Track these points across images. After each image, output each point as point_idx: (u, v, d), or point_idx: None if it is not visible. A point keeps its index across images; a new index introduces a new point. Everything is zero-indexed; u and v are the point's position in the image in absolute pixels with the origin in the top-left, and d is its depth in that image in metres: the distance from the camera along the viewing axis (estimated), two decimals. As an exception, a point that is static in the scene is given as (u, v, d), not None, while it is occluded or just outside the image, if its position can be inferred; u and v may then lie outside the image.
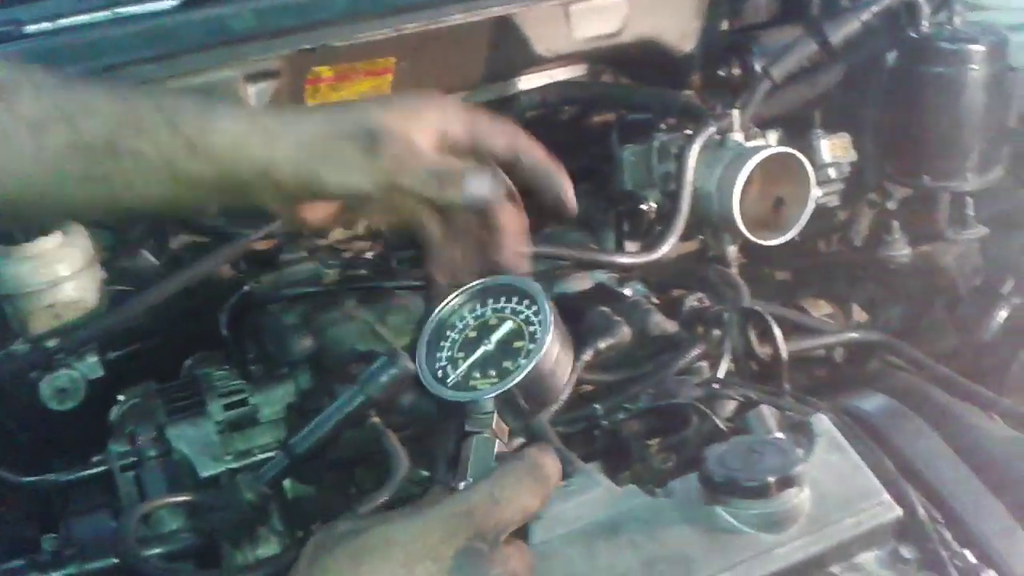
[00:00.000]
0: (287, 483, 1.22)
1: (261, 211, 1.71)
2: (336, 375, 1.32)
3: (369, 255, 1.65)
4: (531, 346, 0.82)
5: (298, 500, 1.21)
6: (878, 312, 2.00)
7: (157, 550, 1.06)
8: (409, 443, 1.25)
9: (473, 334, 0.86)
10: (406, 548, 0.66)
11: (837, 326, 1.70)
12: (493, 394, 0.81)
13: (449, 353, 0.87)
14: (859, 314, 2.01)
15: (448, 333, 0.88)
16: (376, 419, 1.16)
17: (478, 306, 0.88)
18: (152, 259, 1.59)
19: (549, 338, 0.81)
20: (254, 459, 1.24)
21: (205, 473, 1.22)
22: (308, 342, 1.36)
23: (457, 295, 0.89)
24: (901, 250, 1.74)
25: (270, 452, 1.25)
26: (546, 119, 1.92)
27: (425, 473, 1.22)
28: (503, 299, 0.87)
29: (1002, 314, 1.75)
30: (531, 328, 0.83)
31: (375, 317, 1.53)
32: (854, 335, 1.59)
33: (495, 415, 0.81)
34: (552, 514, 0.96)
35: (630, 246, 1.71)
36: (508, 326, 0.85)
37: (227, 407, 1.29)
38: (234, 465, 1.23)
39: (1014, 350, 1.67)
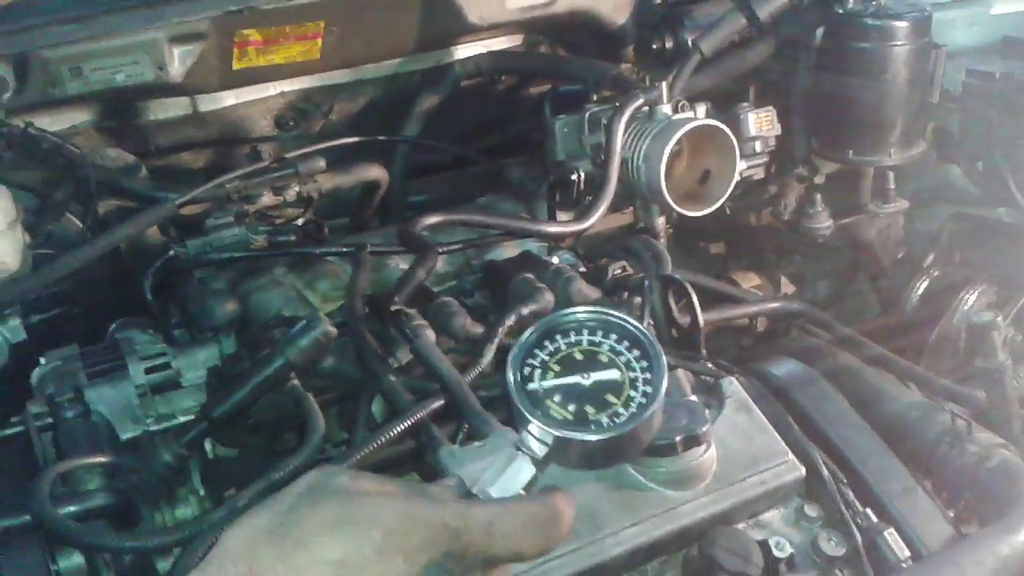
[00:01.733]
0: (208, 445, 1.22)
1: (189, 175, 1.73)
2: (259, 340, 1.32)
3: (300, 222, 1.65)
4: (621, 411, 0.74)
5: (219, 462, 1.21)
6: (805, 284, 2.04)
7: (71, 508, 1.06)
8: (330, 406, 1.27)
9: (579, 357, 0.78)
10: (386, 536, 0.63)
11: (761, 297, 1.74)
12: (562, 434, 0.73)
13: (546, 358, 0.78)
14: (787, 286, 2.06)
15: (557, 338, 0.79)
16: (296, 382, 1.17)
17: (600, 333, 0.79)
18: (77, 223, 1.57)
19: (644, 417, 0.73)
20: (175, 422, 1.24)
21: (125, 435, 1.22)
22: (232, 307, 1.35)
23: (587, 310, 0.81)
24: (824, 223, 1.78)
25: (192, 415, 1.25)
26: (481, 89, 1.93)
27: (345, 435, 1.24)
28: (625, 344, 0.78)
29: (923, 286, 1.80)
30: (632, 393, 0.75)
31: (303, 283, 1.53)
32: (775, 304, 1.63)
33: (547, 451, 0.74)
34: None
35: (562, 216, 1.73)
36: (614, 374, 0.76)
37: (148, 370, 1.28)
38: (154, 428, 1.23)
39: (934, 321, 1.71)
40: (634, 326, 0.79)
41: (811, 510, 1.09)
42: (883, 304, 1.95)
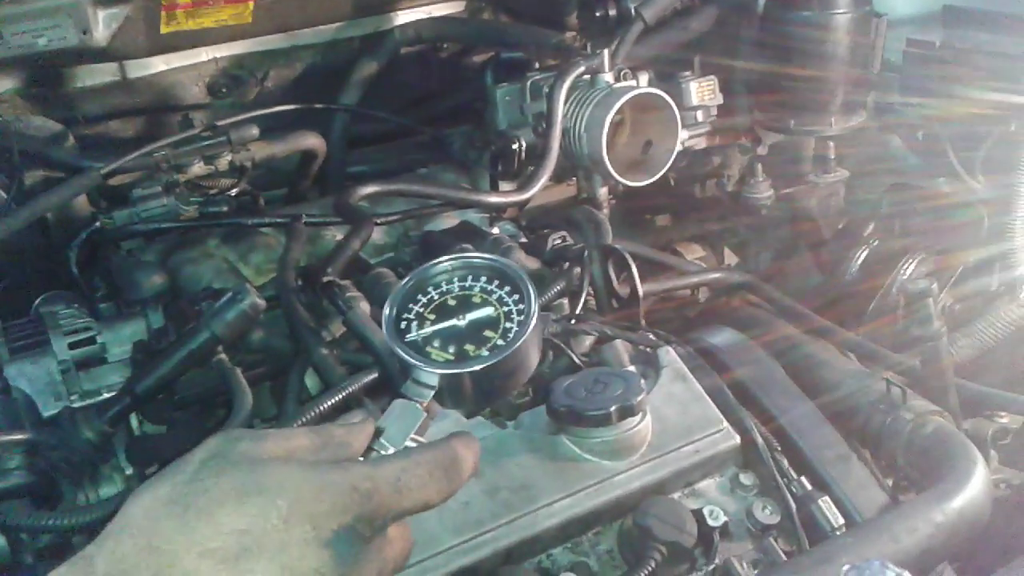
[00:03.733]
0: (135, 421, 1.18)
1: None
2: (187, 313, 1.28)
3: (233, 192, 1.60)
4: (500, 342, 0.76)
5: (145, 438, 1.18)
6: (748, 255, 2.05)
7: (-11, 488, 1.02)
8: (262, 380, 1.24)
9: (452, 303, 0.81)
10: (293, 504, 0.62)
11: (702, 268, 1.73)
12: (444, 371, 0.75)
13: (420, 310, 0.81)
14: (731, 257, 2.06)
15: (429, 290, 0.82)
16: (223, 356, 1.13)
17: (470, 278, 0.82)
18: (1, 193, 1.51)
19: (520, 342, 0.75)
20: (99, 399, 1.20)
21: (47, 412, 1.18)
22: (159, 279, 1.31)
23: (453, 259, 0.83)
24: (765, 192, 1.78)
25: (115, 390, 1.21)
26: (422, 56, 1.89)
27: (274, 411, 1.21)
28: (496, 283, 0.81)
29: (863, 255, 1.81)
30: (508, 324, 0.78)
31: (237, 255, 1.50)
32: (715, 275, 1.62)
33: (433, 392, 0.76)
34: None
35: (504, 186, 1.70)
36: (488, 312, 0.79)
37: (72, 345, 1.24)
38: (78, 404, 1.19)
39: (873, 290, 1.72)
40: (501, 263, 0.82)
41: (746, 479, 1.09)
42: (824, 274, 1.95)
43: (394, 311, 0.80)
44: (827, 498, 1.06)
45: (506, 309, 0.79)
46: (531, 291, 0.79)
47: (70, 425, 1.10)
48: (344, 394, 1.06)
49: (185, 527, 0.60)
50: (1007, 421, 1.40)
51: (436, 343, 0.78)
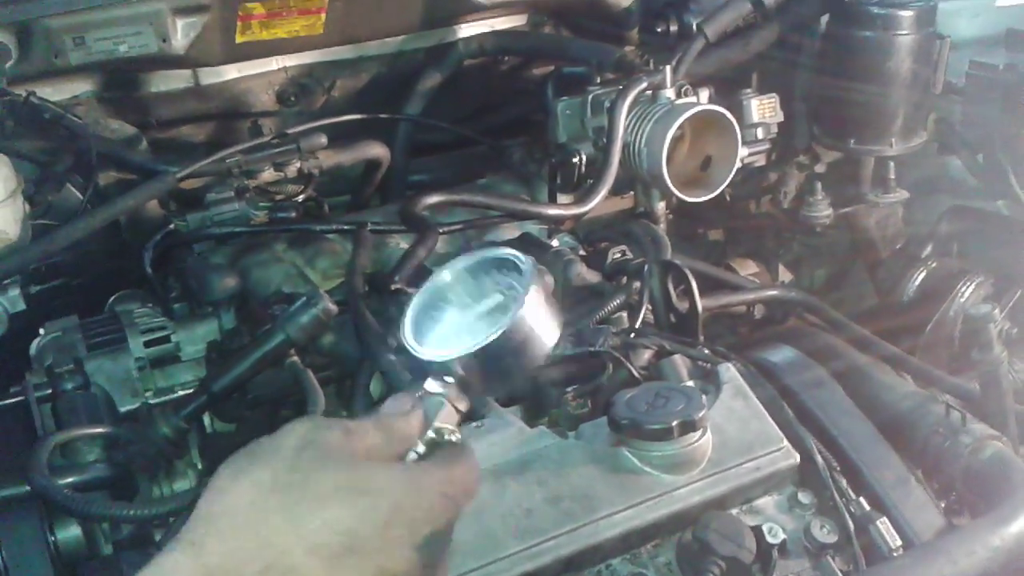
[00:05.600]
0: (207, 419, 1.23)
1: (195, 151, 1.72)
2: (259, 315, 1.32)
3: (300, 198, 1.65)
4: (503, 318, 0.77)
5: (217, 436, 1.22)
6: (802, 272, 2.05)
7: (70, 479, 1.07)
8: (329, 383, 1.28)
9: (468, 301, 0.82)
10: (394, 507, 0.63)
11: (759, 284, 1.74)
12: (451, 356, 0.75)
13: (439, 314, 0.82)
14: (785, 274, 2.06)
15: (440, 304, 0.83)
16: (295, 358, 1.17)
17: (480, 275, 0.83)
18: (77, 194, 1.56)
19: (519, 311, 0.75)
20: (174, 396, 1.24)
21: (124, 408, 1.22)
22: (232, 282, 1.36)
23: (456, 268, 0.84)
24: (823, 211, 1.78)
25: (191, 389, 1.25)
26: (485, 68, 1.92)
27: (344, 413, 1.24)
28: (505, 271, 0.81)
29: (920, 276, 1.81)
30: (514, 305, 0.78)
31: (303, 260, 1.54)
32: (773, 292, 1.63)
33: (452, 381, 0.76)
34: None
35: (563, 198, 1.73)
36: (496, 299, 0.80)
37: (148, 343, 1.29)
38: (153, 401, 1.23)
39: (930, 311, 1.72)
40: (497, 253, 0.83)
41: (804, 497, 1.10)
42: (880, 294, 1.95)
43: (408, 324, 0.81)
44: (885, 519, 1.07)
45: (514, 293, 0.79)
46: (526, 265, 0.78)
47: (147, 421, 1.15)
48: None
49: (295, 521, 0.62)
50: (1065, 447, 1.40)
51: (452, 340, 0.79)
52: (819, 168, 2.00)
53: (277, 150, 1.60)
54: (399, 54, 1.86)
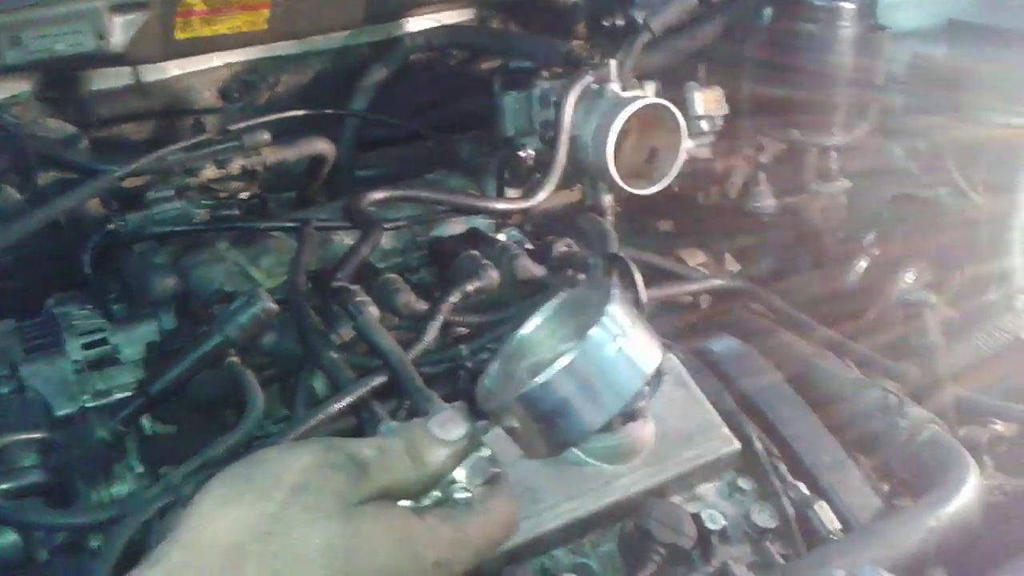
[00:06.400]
0: (146, 422, 1.21)
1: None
2: (200, 315, 1.31)
3: (244, 196, 1.63)
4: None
5: (157, 439, 1.20)
6: (749, 261, 2.07)
7: (5, 485, 1.04)
8: (272, 382, 1.26)
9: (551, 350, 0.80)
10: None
11: (705, 274, 1.75)
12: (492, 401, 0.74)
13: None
14: (732, 264, 2.08)
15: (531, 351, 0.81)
16: (235, 359, 1.16)
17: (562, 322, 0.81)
18: (16, 194, 1.54)
19: (555, 370, 0.69)
20: (112, 399, 1.22)
21: (61, 411, 1.20)
22: (172, 281, 1.34)
23: (543, 313, 0.81)
24: (768, 202, 1.80)
25: (130, 392, 1.23)
26: (432, 63, 1.91)
27: (283, 412, 1.23)
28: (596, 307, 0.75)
29: (863, 264, 1.83)
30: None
31: (247, 259, 1.52)
32: (717, 282, 1.64)
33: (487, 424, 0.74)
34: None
35: (511, 193, 1.73)
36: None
37: (86, 346, 1.27)
38: (91, 404, 1.21)
39: (872, 298, 1.74)
40: (580, 291, 0.82)
41: (744, 483, 1.12)
42: (824, 282, 1.97)
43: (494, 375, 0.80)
44: (824, 503, 1.09)
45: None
46: (603, 309, 0.72)
47: (84, 425, 1.13)
48: (353, 397, 1.09)
49: (271, 573, 0.59)
50: (1002, 429, 1.43)
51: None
52: (764, 159, 2.02)
53: (219, 147, 1.58)
54: (344, 49, 1.85)
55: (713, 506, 1.09)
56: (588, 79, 1.60)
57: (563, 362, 0.70)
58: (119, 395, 1.23)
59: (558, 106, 1.60)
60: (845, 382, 1.29)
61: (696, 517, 1.04)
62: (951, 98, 1.77)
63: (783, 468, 1.12)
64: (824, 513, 1.07)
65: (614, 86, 1.64)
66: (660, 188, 1.66)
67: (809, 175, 1.85)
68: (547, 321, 0.82)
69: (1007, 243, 1.61)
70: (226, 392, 1.21)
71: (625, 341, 0.72)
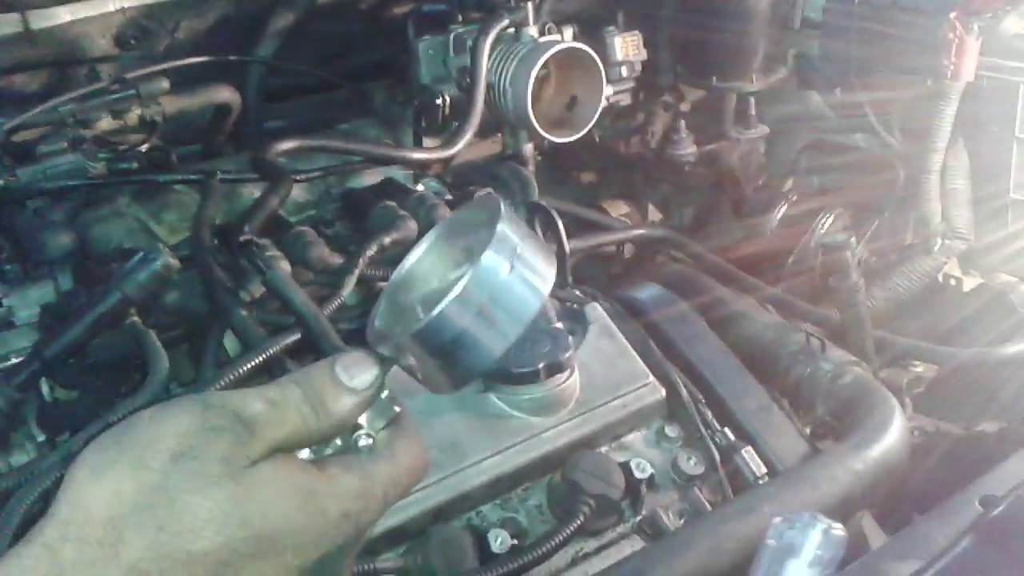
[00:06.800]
0: (45, 387, 1.14)
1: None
2: (98, 275, 1.23)
3: (144, 148, 1.54)
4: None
5: (57, 405, 1.13)
6: (671, 210, 2.06)
7: None
8: (178, 343, 1.20)
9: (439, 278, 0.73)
10: (278, 538, 0.58)
11: (627, 224, 1.74)
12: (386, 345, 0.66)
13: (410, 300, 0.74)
14: (655, 213, 2.07)
15: (416, 284, 0.74)
16: (135, 319, 1.09)
17: (454, 243, 0.74)
18: None
19: (445, 302, 0.63)
20: (7, 364, 1.14)
21: (-50, 380, 1.12)
22: (67, 239, 1.25)
23: (422, 243, 0.74)
24: (688, 149, 1.78)
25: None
26: (341, 8, 1.83)
27: (191, 375, 1.17)
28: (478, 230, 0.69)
29: (781, 210, 1.83)
30: None
31: (148, 214, 1.44)
32: (639, 231, 1.63)
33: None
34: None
35: (428, 142, 1.68)
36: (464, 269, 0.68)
37: (-25, 309, 1.18)
38: (-14, 373, 1.13)
39: (791, 244, 1.75)
40: (464, 213, 0.75)
41: (671, 431, 1.10)
42: (744, 229, 1.98)
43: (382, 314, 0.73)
44: (750, 448, 1.08)
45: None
46: (497, 216, 0.66)
47: (-24, 392, 1.05)
48: (265, 355, 1.03)
49: (157, 548, 0.55)
50: (921, 370, 1.45)
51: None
52: (684, 107, 2.00)
53: (113, 96, 1.49)
54: (248, -8, 1.75)
55: (640, 455, 1.07)
56: (503, 23, 1.55)
57: (455, 292, 0.64)
58: (15, 360, 1.15)
59: (473, 51, 1.54)
60: (767, 327, 1.29)
61: (624, 467, 1.03)
62: (866, 42, 1.77)
63: (709, 414, 1.11)
64: (751, 458, 1.07)
65: (531, 30, 1.59)
66: (581, 135, 1.63)
67: (728, 122, 1.84)
68: (433, 247, 0.75)
69: (924, 187, 1.62)
70: (128, 354, 1.15)
71: (518, 262, 0.65)
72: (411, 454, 0.68)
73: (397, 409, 0.70)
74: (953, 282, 1.66)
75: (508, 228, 0.67)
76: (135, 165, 1.46)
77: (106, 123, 1.48)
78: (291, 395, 0.64)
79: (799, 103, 2.00)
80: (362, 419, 0.69)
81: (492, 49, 1.55)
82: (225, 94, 1.60)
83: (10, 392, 1.05)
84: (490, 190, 1.41)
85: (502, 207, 0.68)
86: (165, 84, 1.51)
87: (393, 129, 1.74)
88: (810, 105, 2.02)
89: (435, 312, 0.65)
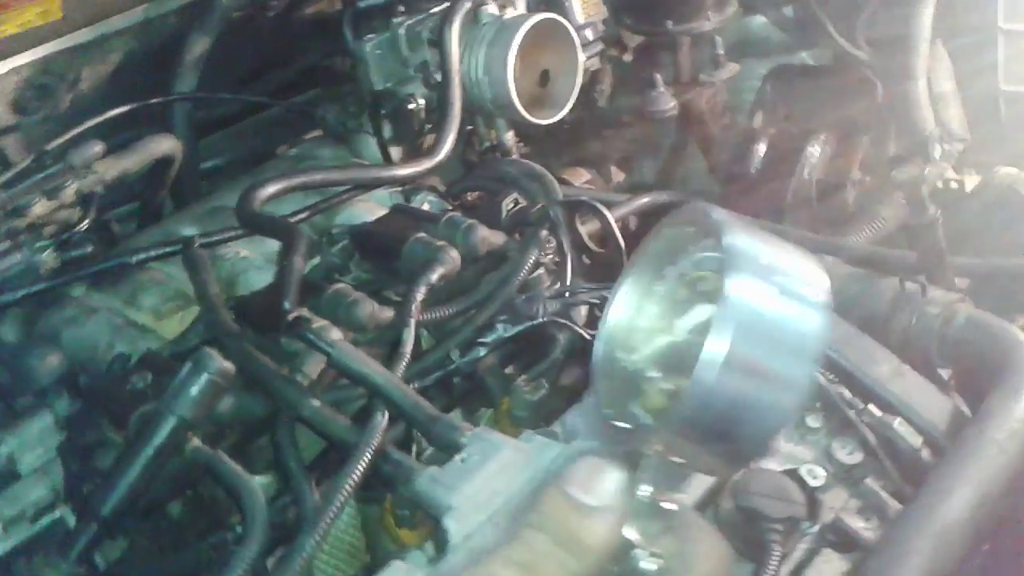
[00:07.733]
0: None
1: None
2: (101, 391, 1.02)
3: (84, 226, 1.30)
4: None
5: (114, 568, 0.93)
6: (633, 168, 1.95)
7: None
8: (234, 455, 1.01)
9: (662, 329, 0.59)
10: None
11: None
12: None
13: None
14: (617, 174, 1.96)
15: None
16: (198, 442, 0.90)
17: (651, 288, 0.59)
18: None
19: (715, 344, 0.50)
20: (36, 526, 0.94)
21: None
22: (57, 360, 1.04)
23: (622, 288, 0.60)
24: (668, 103, 1.66)
25: (49, 509, 0.96)
26: (258, 19, 1.61)
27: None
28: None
29: (761, 147, 1.76)
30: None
31: (122, 302, 1.23)
32: (644, 200, 1.51)
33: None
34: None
35: (395, 152, 1.51)
36: (704, 311, 0.56)
37: (-31, 472, 0.96)
38: (9, 543, 0.92)
39: (781, 179, 1.68)
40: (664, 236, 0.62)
41: (813, 420, 1.00)
42: (717, 175, 1.90)
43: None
44: (901, 420, 0.99)
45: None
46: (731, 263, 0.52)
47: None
48: (368, 454, 0.86)
49: None
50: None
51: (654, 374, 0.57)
52: (627, 57, 1.90)
53: (43, 174, 1.25)
54: (147, 23, 1.51)
55: (790, 456, 0.97)
56: (467, 6, 1.39)
57: (712, 347, 0.50)
58: (44, 519, 0.95)
59: (441, 43, 1.38)
60: (850, 279, 1.20)
61: (793, 476, 0.92)
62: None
63: (847, 392, 1.01)
64: (905, 430, 0.98)
65: (490, 8, 1.44)
66: (565, 112, 1.49)
67: (686, 65, 1.73)
68: (631, 292, 0.61)
69: (912, 96, 1.58)
70: (183, 486, 0.96)
71: (775, 276, 0.52)
72: (710, 558, 0.56)
73: (669, 506, 0.58)
74: (954, 184, 1.63)
75: (737, 237, 0.54)
76: (89, 249, 1.24)
77: (40, 207, 1.24)
78: (540, 547, 0.53)
79: (741, 31, 1.92)
80: (630, 534, 0.56)
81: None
82: (165, 144, 1.39)
83: (70, 569, 0.85)
84: (515, 195, 1.26)
85: (713, 214, 0.55)
86: (98, 148, 1.28)
87: (349, 144, 1.56)
88: (750, 31, 1.95)
89: (695, 389, 0.52)
